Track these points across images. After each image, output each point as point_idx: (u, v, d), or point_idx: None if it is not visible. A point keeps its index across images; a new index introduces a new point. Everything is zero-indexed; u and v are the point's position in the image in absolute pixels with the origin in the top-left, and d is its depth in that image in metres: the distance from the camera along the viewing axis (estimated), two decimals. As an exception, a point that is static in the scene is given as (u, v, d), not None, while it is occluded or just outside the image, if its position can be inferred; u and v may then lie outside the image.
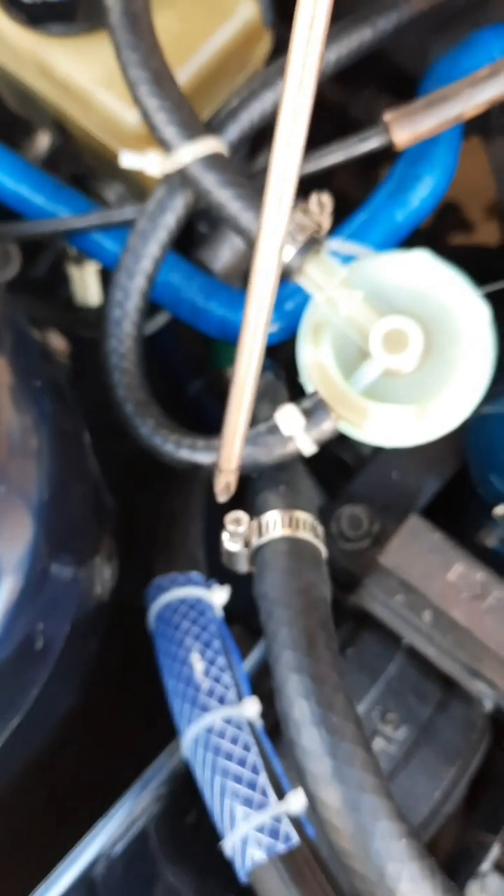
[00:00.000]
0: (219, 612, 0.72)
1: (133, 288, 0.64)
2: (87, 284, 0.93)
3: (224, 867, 0.72)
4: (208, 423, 1.16)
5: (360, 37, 0.69)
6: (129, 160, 0.64)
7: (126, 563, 0.82)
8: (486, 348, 0.62)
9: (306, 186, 0.68)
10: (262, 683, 0.78)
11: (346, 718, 0.53)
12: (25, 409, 0.55)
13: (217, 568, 0.75)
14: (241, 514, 0.58)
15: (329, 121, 1.25)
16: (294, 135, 0.39)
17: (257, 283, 0.41)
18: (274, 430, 0.60)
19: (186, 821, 0.77)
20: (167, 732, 0.69)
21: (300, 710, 0.54)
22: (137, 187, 0.85)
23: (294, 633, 0.56)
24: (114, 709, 0.82)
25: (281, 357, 0.86)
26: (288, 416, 0.59)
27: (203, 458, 0.63)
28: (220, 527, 0.64)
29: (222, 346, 1.16)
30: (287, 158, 0.39)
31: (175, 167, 0.61)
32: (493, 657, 0.71)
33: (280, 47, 0.83)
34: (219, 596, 0.72)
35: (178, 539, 0.82)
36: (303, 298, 0.78)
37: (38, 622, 0.55)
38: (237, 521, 0.58)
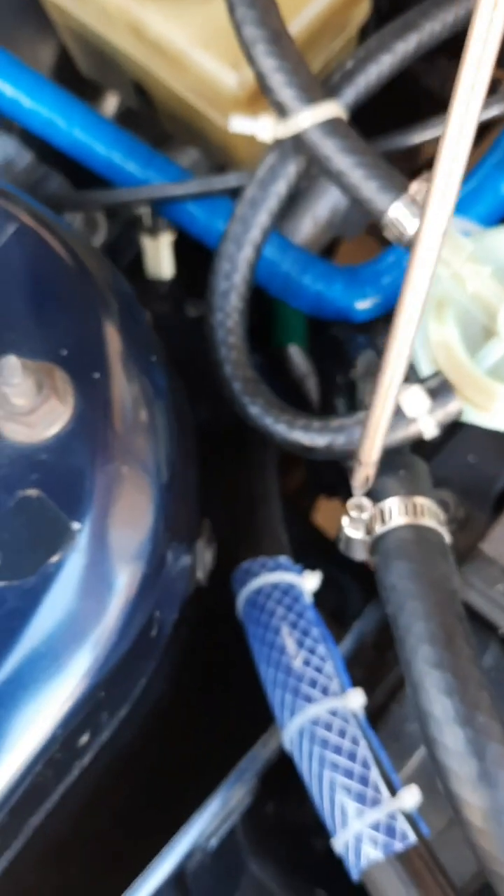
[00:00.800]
0: (310, 599, 0.69)
1: (241, 259, 0.61)
2: (160, 256, 0.89)
3: (307, 859, 0.70)
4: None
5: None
6: (239, 124, 0.61)
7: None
8: None
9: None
10: (353, 673, 0.76)
11: (492, 717, 0.51)
12: (143, 384, 0.52)
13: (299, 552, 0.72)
14: (363, 501, 0.56)
15: (399, 90, 1.21)
16: (469, 114, 0.36)
17: (415, 272, 0.38)
18: (396, 411, 0.57)
19: (266, 812, 0.75)
20: (256, 722, 0.67)
21: (443, 708, 0.51)
22: (218, 153, 0.81)
23: (432, 628, 0.53)
24: (201, 698, 0.80)
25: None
26: (413, 397, 0.56)
27: (319, 440, 0.60)
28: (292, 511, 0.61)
29: (285, 323, 1.13)
30: (459, 145, 0.36)
31: (291, 132, 0.58)
32: None
33: (377, 13, 0.79)
34: (311, 581, 0.70)
35: (262, 523, 0.79)
36: (400, 273, 0.75)
37: (155, 609, 0.52)
38: (360, 508, 0.55)
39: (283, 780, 0.66)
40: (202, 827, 0.64)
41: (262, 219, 0.61)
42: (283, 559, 0.70)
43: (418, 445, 1.18)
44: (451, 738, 0.51)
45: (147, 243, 0.90)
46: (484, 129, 0.76)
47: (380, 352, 0.69)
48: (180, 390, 0.60)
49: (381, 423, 0.48)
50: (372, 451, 0.51)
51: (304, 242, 0.87)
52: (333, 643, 0.68)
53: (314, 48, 0.70)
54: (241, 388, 0.62)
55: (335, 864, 0.60)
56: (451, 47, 1.12)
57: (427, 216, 0.36)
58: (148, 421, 0.51)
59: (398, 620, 0.55)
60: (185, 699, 0.77)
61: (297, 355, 1.04)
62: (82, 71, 0.92)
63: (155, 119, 0.88)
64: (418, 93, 1.05)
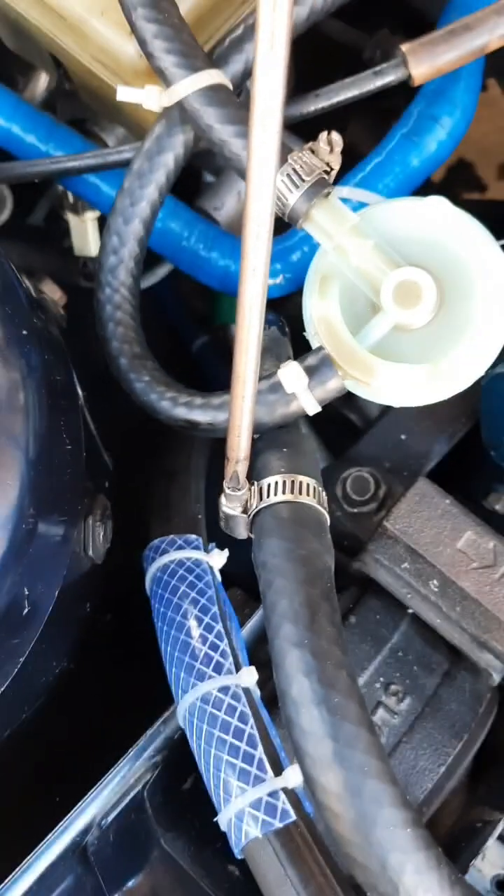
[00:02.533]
0: (217, 577, 0.69)
1: (129, 233, 0.60)
2: (85, 233, 0.89)
3: (221, 835, 0.70)
4: (215, 379, 1.13)
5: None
6: (125, 94, 0.60)
7: (126, 525, 0.79)
8: (501, 303, 0.58)
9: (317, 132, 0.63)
10: (262, 651, 0.76)
11: (348, 698, 0.50)
12: (11, 359, 0.52)
13: (219, 530, 0.72)
14: (239, 477, 0.55)
15: (342, 64, 1.19)
16: (276, 44, 0.34)
17: (250, 230, 0.37)
18: (276, 387, 0.57)
19: (183, 788, 0.75)
20: (164, 700, 0.67)
21: (299, 687, 0.51)
22: (140, 131, 0.80)
23: (295, 606, 0.53)
24: (110, 675, 0.80)
25: (286, 311, 0.82)
26: (291, 374, 0.55)
27: (201, 416, 0.59)
28: (221, 489, 0.61)
29: (226, 301, 1.12)
30: (270, 71, 0.34)
31: (174, 100, 0.57)
32: (503, 628, 0.68)
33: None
34: (217, 560, 0.69)
35: (176, 499, 0.79)
36: (310, 249, 0.74)
37: (23, 586, 0.52)
38: (236, 485, 0.54)
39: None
40: (100, 804, 0.64)
41: (150, 192, 0.60)
42: (192, 537, 0.70)
43: (349, 424, 1.18)
44: (306, 719, 0.50)
45: (72, 221, 0.89)
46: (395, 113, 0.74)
47: (282, 330, 0.68)
48: (65, 367, 0.60)
49: (244, 422, 0.47)
50: (240, 448, 0.50)
51: (229, 219, 0.86)
52: (236, 621, 0.68)
53: (217, 16, 0.69)
54: (126, 364, 0.61)
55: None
56: (394, 21, 1.11)
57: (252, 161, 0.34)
58: (13, 397, 0.51)
59: (266, 598, 0.54)
60: (98, 676, 0.77)
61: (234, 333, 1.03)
62: (8, 46, 0.91)
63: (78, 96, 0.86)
64: (361, 66, 1.04)
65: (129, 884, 0.70)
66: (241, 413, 0.47)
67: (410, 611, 0.71)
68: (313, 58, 1.05)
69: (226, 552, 0.70)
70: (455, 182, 1.68)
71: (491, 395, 0.76)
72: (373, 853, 0.49)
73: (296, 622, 0.52)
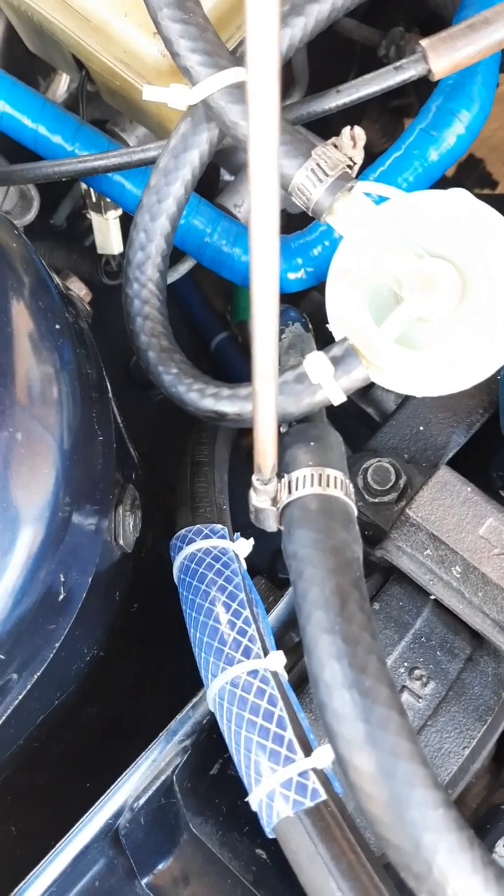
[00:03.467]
0: (243, 565, 0.70)
1: (156, 229, 0.62)
2: (108, 231, 0.90)
3: (248, 819, 0.72)
4: (234, 375, 1.15)
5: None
6: (151, 93, 0.61)
7: (153, 516, 0.80)
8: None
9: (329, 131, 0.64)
10: (288, 637, 0.78)
11: (379, 681, 0.51)
12: (46, 353, 0.53)
13: (244, 520, 0.73)
14: (267, 470, 0.56)
15: (356, 61, 1.21)
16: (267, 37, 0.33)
17: (255, 227, 0.37)
18: (302, 377, 0.58)
19: (210, 773, 0.77)
20: (193, 686, 0.68)
21: (332, 672, 0.52)
22: (162, 130, 0.82)
23: (326, 594, 0.54)
24: (140, 662, 0.81)
25: (309, 306, 0.84)
26: (316, 363, 0.56)
27: (228, 407, 0.61)
28: (248, 479, 0.62)
29: (244, 297, 1.14)
30: (265, 40, 0.33)
31: (199, 98, 0.58)
32: (525, 613, 0.69)
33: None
34: (243, 548, 0.71)
35: (202, 490, 0.80)
36: (331, 243, 0.75)
37: (59, 573, 0.53)
38: (263, 478, 0.56)
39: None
40: (132, 786, 0.65)
41: (176, 189, 0.62)
42: (217, 527, 0.72)
43: (366, 417, 1.19)
44: (339, 702, 0.51)
45: (95, 220, 0.91)
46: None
47: (306, 326, 0.69)
48: (95, 360, 0.61)
49: (269, 411, 0.48)
50: (266, 441, 0.51)
51: (248, 216, 0.87)
52: (262, 607, 0.69)
53: (238, 14, 0.70)
54: (155, 358, 0.62)
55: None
56: (408, 18, 1.12)
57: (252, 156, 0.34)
58: (48, 390, 0.52)
59: (297, 587, 0.56)
60: (127, 663, 0.79)
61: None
62: (30, 48, 0.92)
63: (99, 97, 0.88)
64: (375, 63, 1.05)
65: (160, 866, 0.72)
66: (265, 406, 0.48)
67: (433, 597, 0.73)
68: (328, 55, 1.07)
69: (251, 541, 0.71)
70: (465, 179, 1.68)
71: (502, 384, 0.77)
72: (406, 834, 0.50)
73: (326, 609, 0.53)
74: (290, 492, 0.58)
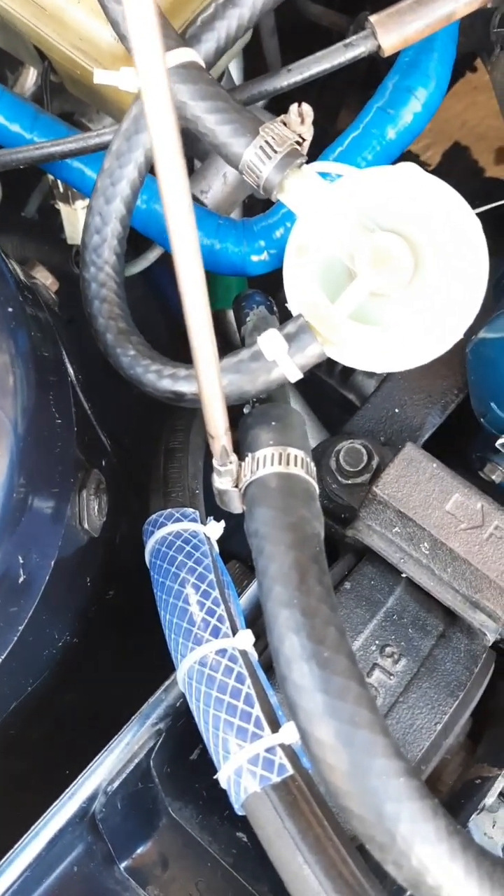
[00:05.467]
0: (214, 547, 0.70)
1: (111, 212, 0.62)
2: (77, 221, 0.91)
3: (228, 803, 0.72)
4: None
5: None
6: (102, 77, 0.61)
7: (128, 503, 0.81)
8: (478, 265, 0.59)
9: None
10: (261, 620, 0.78)
11: (337, 652, 0.51)
12: (-2, 337, 0.53)
13: (217, 507, 0.73)
14: (227, 451, 0.56)
15: (324, 47, 1.20)
16: None
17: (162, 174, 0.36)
18: (257, 356, 0.58)
19: (189, 758, 0.77)
20: (169, 671, 0.69)
21: (290, 644, 0.52)
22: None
23: (284, 568, 0.54)
24: (116, 649, 0.82)
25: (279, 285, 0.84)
26: (270, 341, 0.56)
27: (186, 387, 0.61)
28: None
29: (220, 287, 1.14)
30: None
31: (148, 81, 0.58)
32: (494, 588, 0.70)
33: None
34: (214, 530, 0.71)
35: (174, 476, 0.80)
36: (292, 224, 0.75)
37: (17, 555, 0.54)
38: (224, 460, 0.56)
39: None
40: (106, 770, 0.66)
41: (129, 171, 0.62)
42: (189, 510, 0.72)
43: (347, 403, 1.19)
44: (297, 674, 0.51)
45: (64, 210, 0.91)
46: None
47: (270, 308, 0.70)
48: (54, 346, 0.62)
49: (215, 393, 0.48)
50: (217, 424, 0.51)
51: (216, 202, 0.88)
52: (233, 588, 0.69)
53: (182, 11, 0.70)
54: (112, 340, 0.62)
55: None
56: (375, 2, 1.12)
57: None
58: (0, 379, 0.52)
59: (257, 564, 0.56)
60: (105, 650, 0.79)
61: (231, 319, 1.06)
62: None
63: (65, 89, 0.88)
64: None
65: (139, 850, 0.72)
66: (209, 388, 0.48)
67: (405, 576, 0.73)
68: (295, 42, 1.07)
69: (222, 523, 0.71)
70: (452, 167, 1.68)
71: (476, 361, 0.77)
72: (368, 803, 0.50)
73: (285, 584, 0.53)
74: (251, 472, 0.58)
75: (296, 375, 0.59)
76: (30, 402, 0.54)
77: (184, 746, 0.75)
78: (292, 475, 0.58)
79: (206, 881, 0.73)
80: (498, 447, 0.80)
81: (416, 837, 0.49)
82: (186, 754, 0.77)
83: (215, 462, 0.58)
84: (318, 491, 0.62)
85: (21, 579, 0.55)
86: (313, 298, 0.58)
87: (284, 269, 0.62)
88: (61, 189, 0.88)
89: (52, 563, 0.58)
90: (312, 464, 0.61)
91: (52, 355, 0.60)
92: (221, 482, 0.58)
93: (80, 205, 0.89)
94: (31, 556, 0.56)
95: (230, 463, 0.58)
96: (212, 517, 0.73)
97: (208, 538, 0.70)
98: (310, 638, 0.52)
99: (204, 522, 0.72)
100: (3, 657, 0.56)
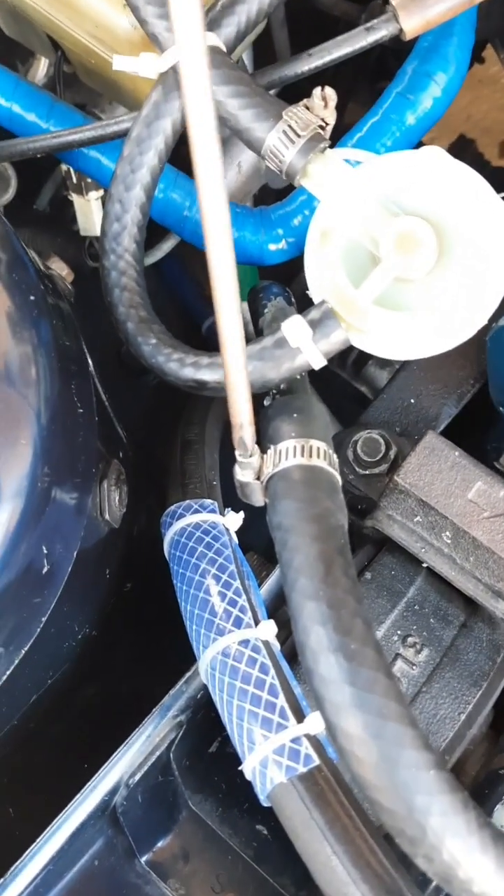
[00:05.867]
0: (234, 538, 0.70)
1: (131, 199, 0.61)
2: (90, 213, 0.90)
3: (248, 796, 0.71)
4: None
5: None
6: (121, 63, 0.61)
7: (147, 496, 0.80)
8: (502, 251, 0.58)
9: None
10: (282, 610, 0.77)
11: (364, 644, 0.51)
12: (21, 324, 0.53)
13: (235, 498, 0.73)
14: (248, 443, 0.56)
15: (336, 34, 1.20)
16: None
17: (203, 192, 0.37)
18: (281, 342, 0.57)
19: (209, 751, 0.77)
20: (187, 662, 0.68)
21: (317, 637, 0.51)
22: (138, 106, 0.81)
23: (309, 560, 0.53)
24: (135, 643, 0.81)
25: (291, 276, 0.83)
26: (294, 327, 0.56)
27: (209, 375, 0.60)
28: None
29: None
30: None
31: (168, 65, 0.58)
32: (518, 576, 0.69)
33: None
34: (233, 521, 0.71)
35: (192, 468, 0.80)
36: (310, 212, 0.74)
37: (42, 545, 0.53)
38: (245, 451, 0.55)
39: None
40: (127, 763, 0.65)
41: (150, 158, 0.61)
42: (208, 501, 0.71)
43: (360, 397, 1.18)
44: (324, 666, 0.50)
45: (77, 201, 0.91)
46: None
47: (288, 299, 0.69)
48: (75, 336, 0.61)
49: (241, 381, 0.47)
50: (241, 412, 0.51)
51: (231, 191, 0.87)
52: (254, 579, 0.69)
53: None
54: (133, 329, 0.62)
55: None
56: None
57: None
58: (24, 361, 0.52)
59: (282, 557, 0.55)
60: (124, 643, 0.79)
61: (245, 312, 1.05)
62: (7, 33, 0.92)
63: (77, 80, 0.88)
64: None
65: (159, 844, 0.72)
66: (236, 375, 0.48)
67: (425, 565, 0.72)
68: (307, 31, 1.06)
69: (241, 514, 0.71)
70: (458, 159, 1.68)
71: (496, 349, 0.77)
72: (398, 796, 0.49)
73: (311, 576, 0.53)
74: (274, 464, 0.57)
75: (320, 362, 0.58)
76: (53, 391, 0.53)
77: (203, 739, 0.75)
78: (315, 467, 0.58)
79: (228, 874, 0.72)
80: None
81: (447, 831, 0.49)
82: (205, 747, 0.76)
83: (238, 454, 0.58)
84: (340, 483, 0.61)
85: (45, 570, 0.54)
86: (337, 284, 0.58)
87: (306, 255, 0.61)
88: (75, 180, 0.87)
89: (75, 553, 0.58)
90: (335, 455, 0.61)
91: (74, 345, 0.60)
92: (243, 475, 0.58)
93: (94, 195, 0.89)
94: (55, 546, 0.55)
95: (252, 455, 0.57)
96: (230, 508, 0.73)
97: (228, 529, 0.70)
98: (336, 630, 0.51)
99: (223, 514, 0.71)
100: (26, 649, 0.56)
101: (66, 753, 0.74)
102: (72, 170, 0.85)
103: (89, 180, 0.86)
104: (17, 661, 0.56)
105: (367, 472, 0.78)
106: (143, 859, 0.70)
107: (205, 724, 0.72)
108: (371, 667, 0.50)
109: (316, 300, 0.59)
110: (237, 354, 0.46)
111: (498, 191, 0.82)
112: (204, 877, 0.72)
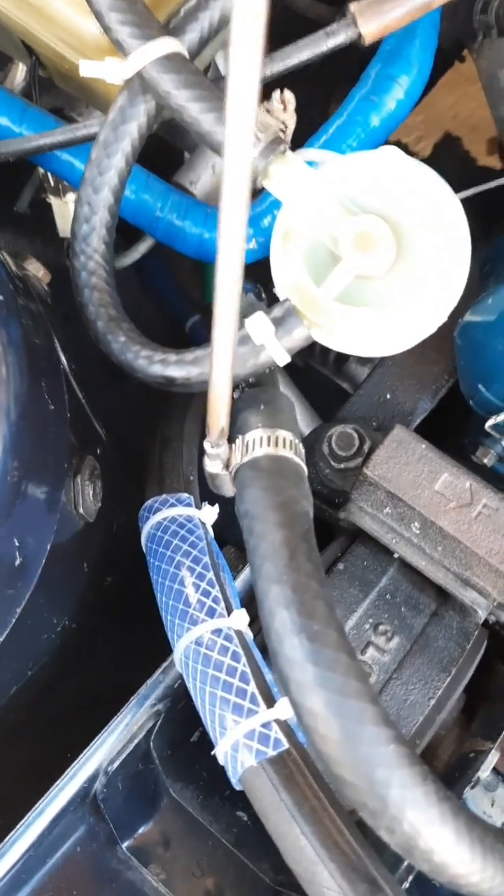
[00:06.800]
0: (209, 532, 0.72)
1: (99, 202, 0.63)
2: (68, 214, 0.91)
3: (229, 784, 0.73)
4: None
5: None
6: (87, 69, 0.62)
7: (125, 492, 0.82)
8: (460, 244, 0.60)
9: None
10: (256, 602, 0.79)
11: (327, 626, 0.53)
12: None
13: (213, 495, 0.74)
14: (216, 435, 0.58)
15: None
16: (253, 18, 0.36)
17: (226, 204, 0.39)
18: (245, 339, 0.59)
19: (190, 741, 0.78)
20: (166, 654, 0.70)
21: (281, 619, 0.53)
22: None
23: (274, 546, 0.55)
24: (115, 635, 0.83)
25: (264, 276, 0.85)
26: (257, 324, 0.58)
27: (176, 371, 0.62)
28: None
29: (214, 278, 1.15)
30: (247, 48, 0.36)
31: (133, 70, 0.60)
32: (484, 565, 0.71)
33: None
34: (208, 514, 0.72)
35: (170, 463, 0.82)
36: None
37: (13, 537, 0.55)
38: (215, 443, 0.57)
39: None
40: (106, 750, 0.67)
41: (117, 161, 0.63)
42: (184, 496, 0.73)
43: (341, 392, 1.20)
44: (289, 647, 0.52)
45: (55, 203, 0.92)
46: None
47: (259, 296, 0.71)
48: (46, 334, 0.63)
49: (224, 393, 0.49)
50: (220, 406, 0.53)
51: (205, 192, 0.89)
52: (228, 571, 0.71)
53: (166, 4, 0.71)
54: (103, 327, 0.64)
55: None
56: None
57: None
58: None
59: (248, 543, 0.57)
60: (105, 637, 0.81)
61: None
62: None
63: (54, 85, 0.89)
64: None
65: (141, 830, 0.74)
66: (221, 364, 0.49)
67: (397, 556, 0.74)
68: (279, 33, 1.08)
69: (216, 507, 0.73)
70: (444, 158, 1.69)
71: (463, 344, 0.78)
72: (359, 770, 0.51)
73: (275, 561, 0.55)
74: (241, 455, 0.59)
75: (284, 359, 0.60)
76: (22, 388, 0.55)
77: (185, 729, 0.77)
78: (281, 457, 0.59)
79: (208, 859, 0.74)
80: (487, 430, 0.81)
81: (406, 802, 0.50)
82: (187, 737, 0.78)
83: (207, 444, 0.60)
84: (306, 472, 0.63)
85: (17, 562, 0.56)
86: (299, 282, 0.59)
87: (271, 255, 0.63)
88: (52, 183, 0.89)
89: (49, 546, 0.59)
90: (301, 446, 0.62)
91: (44, 344, 0.61)
92: (213, 465, 0.59)
93: (71, 198, 0.90)
94: (27, 539, 0.57)
95: (221, 444, 0.59)
96: (206, 503, 0.74)
97: (203, 523, 0.72)
98: (300, 613, 0.53)
99: (199, 507, 0.73)
100: (2, 638, 0.57)
101: (48, 745, 0.75)
102: (49, 174, 0.87)
103: (66, 183, 0.88)
104: (-6, 652, 0.58)
105: (341, 466, 0.80)
106: (125, 845, 0.72)
107: (185, 714, 0.73)
108: (333, 647, 0.52)
109: (281, 298, 0.61)
110: (227, 345, 0.47)
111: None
112: (185, 862, 0.74)
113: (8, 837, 0.63)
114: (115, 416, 0.87)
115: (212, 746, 0.64)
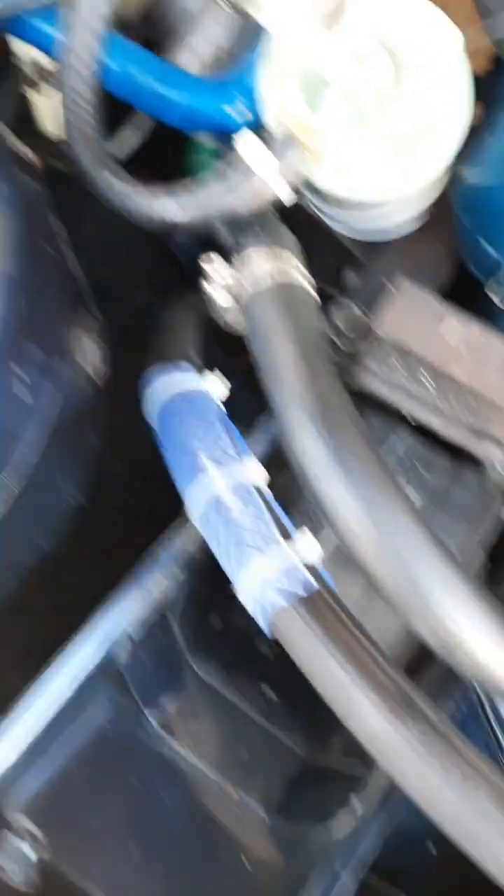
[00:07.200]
0: (219, 403, 0.70)
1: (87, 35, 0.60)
2: (46, 110, 0.89)
3: (253, 662, 0.72)
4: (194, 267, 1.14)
5: None
6: None
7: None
8: (460, 80, 0.59)
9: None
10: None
11: (348, 420, 0.52)
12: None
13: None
14: (212, 254, 0.56)
15: None
16: None
17: None
18: (246, 171, 0.57)
19: (211, 624, 0.77)
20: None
21: (301, 427, 0.53)
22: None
23: (293, 360, 0.54)
24: (127, 521, 0.82)
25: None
26: (250, 147, 0.56)
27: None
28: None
29: (196, 157, 1.12)
30: None
31: None
32: (500, 413, 0.70)
33: None
34: (214, 387, 0.71)
35: (169, 339, 0.80)
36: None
37: (24, 374, 0.53)
38: (211, 261, 0.56)
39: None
40: (122, 613, 0.66)
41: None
42: (184, 363, 0.71)
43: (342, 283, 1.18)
44: (305, 441, 0.52)
45: (33, 97, 0.90)
46: None
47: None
48: (39, 199, 0.61)
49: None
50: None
51: (203, 68, 0.86)
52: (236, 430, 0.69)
53: None
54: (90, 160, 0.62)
55: (280, 662, 0.62)
56: None
57: None
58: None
59: (263, 370, 0.56)
60: (115, 521, 0.80)
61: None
62: None
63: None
64: None
65: (167, 703, 0.73)
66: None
67: (410, 418, 0.73)
68: None
69: (218, 374, 0.71)
70: None
71: (463, 204, 0.77)
72: (398, 566, 0.52)
73: (296, 374, 0.54)
74: (251, 285, 0.57)
75: (286, 193, 0.58)
76: (20, 227, 0.53)
77: (206, 613, 0.76)
78: (292, 285, 0.58)
79: (237, 733, 0.74)
80: (487, 293, 0.80)
81: (447, 599, 0.51)
82: (207, 620, 0.77)
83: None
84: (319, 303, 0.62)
85: (30, 402, 0.54)
86: (292, 107, 0.58)
87: (260, 83, 0.61)
88: (29, 76, 0.86)
89: (62, 396, 0.58)
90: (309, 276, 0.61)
91: (38, 207, 0.60)
92: (217, 294, 0.58)
93: (49, 92, 0.88)
94: (43, 383, 0.55)
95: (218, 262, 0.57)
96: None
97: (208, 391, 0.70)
98: (324, 420, 0.52)
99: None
100: (24, 483, 0.56)
101: (59, 627, 0.74)
102: (29, 64, 0.84)
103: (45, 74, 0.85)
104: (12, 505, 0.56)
105: (347, 344, 0.78)
106: (152, 720, 0.71)
107: (206, 595, 0.73)
108: (360, 456, 0.51)
109: (273, 128, 0.59)
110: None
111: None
112: (213, 735, 0.73)
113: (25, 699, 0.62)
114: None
115: (233, 627, 0.63)
